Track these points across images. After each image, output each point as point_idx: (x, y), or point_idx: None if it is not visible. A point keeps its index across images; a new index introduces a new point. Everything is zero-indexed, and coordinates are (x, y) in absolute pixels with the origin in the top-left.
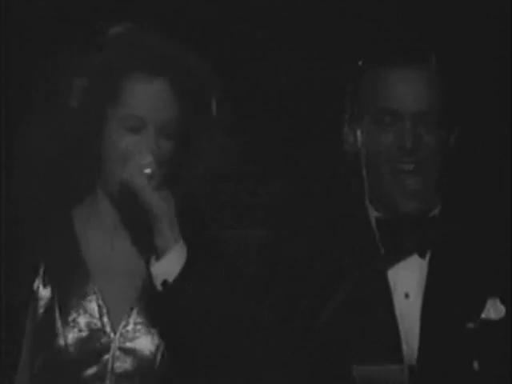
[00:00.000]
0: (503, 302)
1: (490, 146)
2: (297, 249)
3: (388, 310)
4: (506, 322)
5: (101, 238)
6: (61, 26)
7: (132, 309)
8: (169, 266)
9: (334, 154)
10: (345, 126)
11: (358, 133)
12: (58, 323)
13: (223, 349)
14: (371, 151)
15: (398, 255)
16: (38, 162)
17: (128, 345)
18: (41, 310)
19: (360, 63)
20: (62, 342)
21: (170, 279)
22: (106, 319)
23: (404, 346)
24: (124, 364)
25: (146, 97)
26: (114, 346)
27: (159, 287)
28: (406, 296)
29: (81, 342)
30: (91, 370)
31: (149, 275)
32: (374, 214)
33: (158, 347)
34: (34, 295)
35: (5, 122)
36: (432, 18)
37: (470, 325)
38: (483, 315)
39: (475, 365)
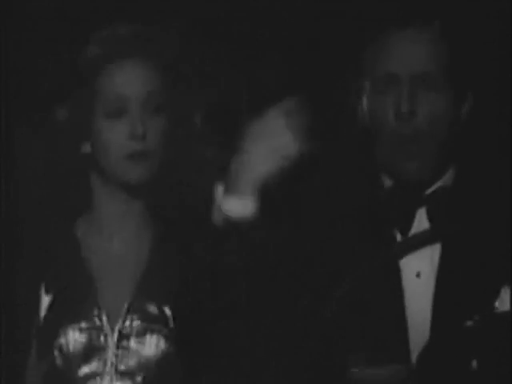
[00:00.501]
0: None
1: (505, 116)
2: (300, 246)
3: (397, 289)
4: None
5: (100, 234)
6: (61, 25)
7: (129, 307)
8: None
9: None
10: (356, 101)
11: (364, 102)
12: (59, 323)
13: (224, 348)
14: (373, 118)
15: (413, 244)
16: (39, 169)
17: (126, 342)
18: (43, 313)
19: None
20: (63, 341)
21: None
22: (104, 318)
23: (409, 328)
24: (124, 361)
25: (121, 76)
26: (112, 343)
27: None
28: (418, 275)
29: (80, 341)
30: (91, 368)
31: None
32: (387, 183)
33: (157, 345)
34: (38, 299)
35: (5, 123)
36: None
37: (470, 323)
38: (497, 304)
39: (474, 364)
